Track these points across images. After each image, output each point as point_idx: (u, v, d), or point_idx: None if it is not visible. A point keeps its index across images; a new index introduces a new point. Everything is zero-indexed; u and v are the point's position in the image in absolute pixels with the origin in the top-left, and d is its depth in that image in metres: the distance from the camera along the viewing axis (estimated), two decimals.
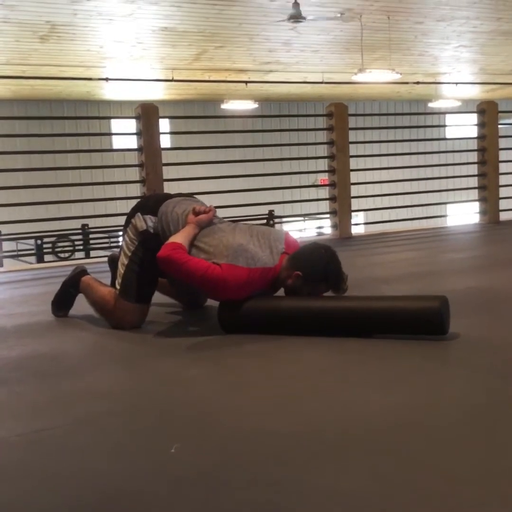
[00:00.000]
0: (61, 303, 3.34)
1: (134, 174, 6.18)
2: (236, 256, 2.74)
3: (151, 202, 3.17)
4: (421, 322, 2.58)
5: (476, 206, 7.54)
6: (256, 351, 2.57)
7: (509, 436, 1.70)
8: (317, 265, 2.83)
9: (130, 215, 3.09)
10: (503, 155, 7.52)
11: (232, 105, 14.08)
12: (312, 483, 1.49)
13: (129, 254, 3.01)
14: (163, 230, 2.98)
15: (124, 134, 7.37)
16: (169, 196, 3.18)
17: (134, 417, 1.98)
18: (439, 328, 2.56)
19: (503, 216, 7.46)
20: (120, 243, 3.21)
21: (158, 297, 3.22)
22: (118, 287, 3.01)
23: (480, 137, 7.41)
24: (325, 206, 7.10)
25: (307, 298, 2.83)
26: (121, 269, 3.01)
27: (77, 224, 11.39)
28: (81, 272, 3.29)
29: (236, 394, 2.14)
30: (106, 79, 11.58)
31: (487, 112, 7.30)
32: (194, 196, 3.36)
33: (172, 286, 3.33)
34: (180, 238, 2.82)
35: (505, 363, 2.32)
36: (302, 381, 2.24)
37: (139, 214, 3.04)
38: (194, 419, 1.93)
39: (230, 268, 2.70)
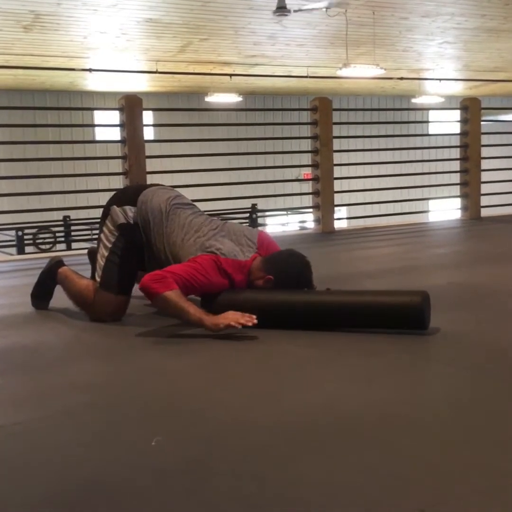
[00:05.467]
0: (40, 295, 3.32)
1: (117, 166, 6.15)
2: (209, 247, 2.83)
3: (129, 193, 3.18)
4: (402, 317, 2.60)
5: (458, 202, 7.59)
6: (238, 344, 2.57)
7: (490, 429, 1.72)
8: (290, 273, 2.87)
9: (107, 208, 3.07)
10: (485, 152, 7.57)
11: (216, 98, 14.04)
12: (296, 474, 1.50)
13: (109, 246, 2.99)
14: (143, 220, 2.99)
15: (107, 125, 7.32)
16: (146, 187, 3.18)
17: (116, 409, 1.97)
18: (420, 323, 2.58)
19: (484, 212, 7.52)
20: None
21: (137, 290, 3.20)
22: (98, 279, 2.99)
23: (463, 134, 7.45)
24: (308, 200, 7.11)
25: (290, 292, 2.84)
26: (101, 261, 3.00)
27: (58, 215, 11.30)
28: (57, 263, 3.27)
29: (219, 386, 2.14)
30: (90, 70, 11.49)
31: (470, 108, 7.35)
32: (175, 188, 3.35)
33: None
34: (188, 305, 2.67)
35: (485, 358, 2.34)
36: (286, 374, 2.24)
37: (115, 206, 3.03)
38: (177, 412, 1.93)
39: (203, 255, 2.80)
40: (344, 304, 2.71)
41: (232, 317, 2.57)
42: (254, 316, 2.56)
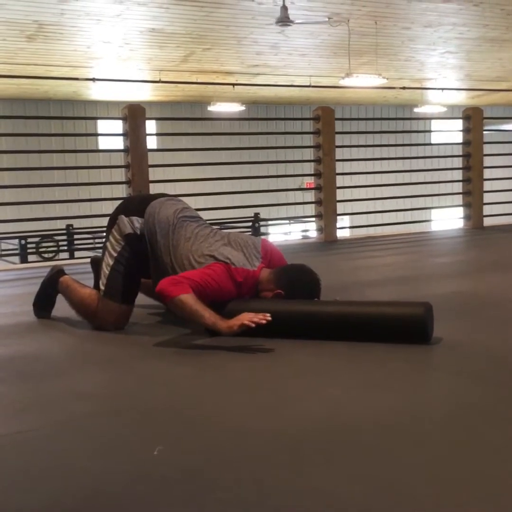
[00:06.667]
0: (42, 304, 3.32)
1: (120, 175, 6.17)
2: (219, 256, 2.86)
3: (135, 203, 3.17)
4: (405, 329, 2.60)
5: (460, 211, 7.59)
6: (241, 353, 2.57)
7: (490, 439, 1.71)
8: (301, 290, 2.90)
9: (114, 217, 3.08)
10: (487, 161, 7.58)
11: (219, 107, 14.07)
12: (296, 483, 1.50)
13: (115, 255, 3.00)
14: (150, 231, 2.99)
15: (110, 134, 7.35)
16: (153, 197, 3.18)
17: (117, 418, 1.97)
18: (423, 335, 2.58)
19: (487, 222, 7.52)
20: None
21: (140, 298, 3.21)
22: (102, 288, 3.00)
23: (465, 143, 7.46)
24: (310, 209, 7.12)
25: (294, 302, 2.84)
26: (105, 270, 3.00)
27: (61, 224, 11.31)
28: (58, 272, 3.27)
29: (221, 395, 2.14)
30: (93, 80, 11.53)
31: (473, 118, 7.36)
32: (179, 197, 3.36)
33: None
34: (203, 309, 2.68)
35: (487, 367, 2.33)
36: (287, 382, 2.24)
37: (123, 216, 3.04)
38: (178, 420, 1.93)
39: (216, 264, 2.83)
40: (349, 316, 2.70)
41: (246, 317, 2.59)
42: (268, 315, 2.56)
